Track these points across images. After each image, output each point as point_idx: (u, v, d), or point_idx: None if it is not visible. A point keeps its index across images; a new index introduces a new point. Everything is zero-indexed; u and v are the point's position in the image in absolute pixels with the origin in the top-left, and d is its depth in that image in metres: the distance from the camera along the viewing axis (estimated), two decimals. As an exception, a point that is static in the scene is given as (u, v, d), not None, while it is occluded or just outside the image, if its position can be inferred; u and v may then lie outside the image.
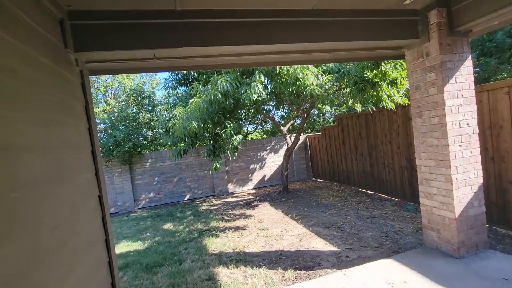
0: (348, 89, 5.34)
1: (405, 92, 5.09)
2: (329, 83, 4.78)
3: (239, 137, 5.43)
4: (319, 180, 10.86)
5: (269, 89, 5.92)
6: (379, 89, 4.68)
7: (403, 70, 4.66)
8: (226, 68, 3.37)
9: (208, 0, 2.40)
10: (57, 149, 1.73)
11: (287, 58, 3.38)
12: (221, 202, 9.18)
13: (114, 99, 9.87)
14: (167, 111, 6.04)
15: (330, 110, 11.95)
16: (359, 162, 8.25)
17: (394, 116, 6.64)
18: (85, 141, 2.33)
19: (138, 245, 5.60)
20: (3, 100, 1.24)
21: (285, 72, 4.77)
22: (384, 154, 7.17)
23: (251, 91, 4.54)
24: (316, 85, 4.67)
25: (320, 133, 10.52)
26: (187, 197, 10.39)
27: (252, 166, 10.95)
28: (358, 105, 5.18)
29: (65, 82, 2.07)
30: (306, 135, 11.49)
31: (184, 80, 7.98)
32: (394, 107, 5.30)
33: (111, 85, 9.81)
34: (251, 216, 6.76)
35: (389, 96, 4.86)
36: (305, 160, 11.47)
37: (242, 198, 9.30)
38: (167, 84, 7.84)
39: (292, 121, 9.46)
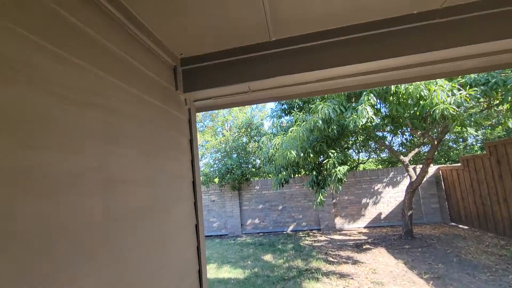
0: (506, 106, 3.79)
1: None
2: (470, 100, 3.49)
3: (344, 168, 4.73)
4: (460, 226, 8.19)
5: (384, 112, 5.02)
6: None
7: None
8: (326, 93, 2.99)
9: (301, 25, 2.17)
10: (159, 180, 1.84)
11: (406, 74, 2.65)
12: (326, 238, 8.31)
13: (229, 131, 11.16)
14: (269, 140, 6.13)
15: (476, 134, 9.11)
16: (533, 209, 5.66)
17: None
18: (187, 172, 2.47)
19: (238, 273, 5.62)
20: (113, 138, 1.38)
21: (403, 91, 3.88)
22: None
23: (358, 116, 3.91)
24: (450, 104, 3.51)
25: (459, 164, 8.11)
26: (291, 228, 10.05)
27: (364, 201, 9.55)
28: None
29: (173, 119, 2.27)
30: (437, 166, 9.14)
31: (289, 109, 8.08)
32: None
33: (227, 119, 11.20)
34: (361, 262, 5.65)
35: None
36: (438, 197, 9.01)
37: (351, 238, 8.10)
38: (273, 114, 8.12)
39: (416, 150, 7.72)
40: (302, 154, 4.70)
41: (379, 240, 7.42)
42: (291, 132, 4.77)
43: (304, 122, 4.57)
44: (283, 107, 8.12)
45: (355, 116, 3.93)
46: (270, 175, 9.32)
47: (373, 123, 4.43)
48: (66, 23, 1.29)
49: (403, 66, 2.51)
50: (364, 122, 3.92)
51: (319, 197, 5.34)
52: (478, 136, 9.33)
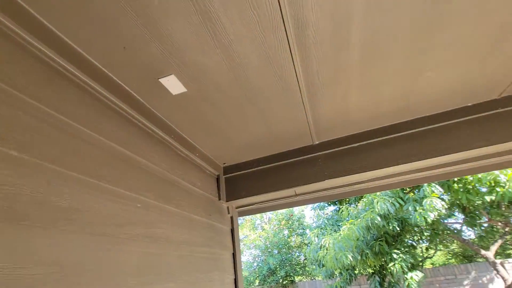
0: None
1: None
2: None
3: (418, 274, 3.83)
4: None
5: (447, 200, 4.38)
6: None
7: None
8: (373, 192, 2.72)
9: (343, 127, 2.16)
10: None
11: (467, 167, 2.37)
12: None
13: (268, 223, 10.56)
14: (317, 236, 5.49)
15: None
16: None
17: None
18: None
19: None
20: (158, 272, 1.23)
21: (470, 178, 3.41)
22: None
23: (424, 209, 3.40)
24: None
25: None
26: None
27: (446, 311, 7.45)
28: None
29: (217, 233, 2.12)
30: (534, 260, 7.20)
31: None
32: None
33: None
34: None
35: None
36: (552, 307, 6.71)
37: None
38: (315, 205, 7.64)
39: (499, 242, 6.29)
40: (359, 257, 4.01)
41: None
42: (343, 230, 4.24)
43: (358, 219, 4.08)
44: None
45: (421, 211, 3.43)
46: (319, 276, 8.05)
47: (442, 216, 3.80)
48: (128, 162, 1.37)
49: (463, 160, 2.25)
50: (433, 217, 3.37)
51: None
52: None
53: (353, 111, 1.93)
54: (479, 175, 3.31)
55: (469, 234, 8.33)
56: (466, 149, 1.96)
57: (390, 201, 3.72)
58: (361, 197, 4.54)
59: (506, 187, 3.12)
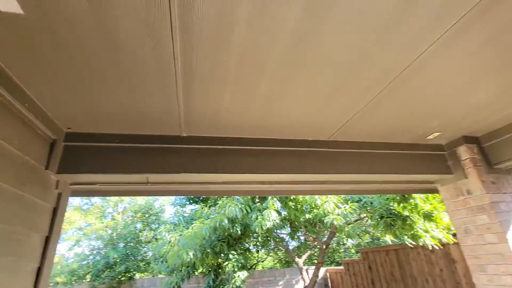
0: (372, 222, 4.66)
1: (446, 228, 4.30)
2: (352, 212, 4.20)
3: (243, 274, 4.41)
4: (347, 335, 8.30)
5: (283, 215, 5.33)
6: (411, 223, 3.97)
7: (437, 202, 4.07)
8: (229, 195, 2.97)
9: (214, 128, 2.27)
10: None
11: (300, 188, 2.99)
12: None
13: (121, 214, 9.48)
14: (168, 232, 5.38)
15: (352, 240, 10.59)
16: (399, 315, 6.36)
17: (433, 257, 5.50)
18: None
19: None
20: None
21: (300, 199, 4.33)
22: (432, 308, 5.51)
23: (263, 219, 3.99)
24: (338, 214, 4.08)
25: (342, 267, 8.90)
26: None
27: (260, 306, 8.85)
28: (388, 237, 4.35)
29: (25, 209, 1.68)
30: (326, 268, 9.77)
31: (195, 198, 7.70)
32: (439, 245, 4.35)
33: (122, 200, 9.67)
34: None
35: (426, 232, 4.05)
36: (327, 302, 9.25)
37: None
38: (176, 202, 7.50)
39: (309, 252, 8.20)
40: (200, 255, 4.21)
41: None
42: (192, 228, 4.37)
43: (209, 220, 4.32)
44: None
45: (260, 219, 4.01)
46: (161, 273, 7.83)
47: (274, 225, 4.57)
48: None
49: (300, 181, 2.84)
50: (268, 226, 4.01)
51: (212, 308, 4.59)
52: (354, 241, 10.89)
53: (224, 115, 2.07)
54: (306, 198, 4.26)
55: (293, 244, 10.37)
56: (296, 172, 2.47)
57: (240, 207, 4.17)
58: (218, 201, 4.86)
59: (320, 209, 4.15)
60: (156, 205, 9.55)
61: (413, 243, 4.92)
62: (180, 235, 4.48)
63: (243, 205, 4.24)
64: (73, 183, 2.22)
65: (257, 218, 4.08)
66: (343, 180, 2.82)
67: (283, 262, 11.60)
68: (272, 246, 10.01)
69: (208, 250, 4.24)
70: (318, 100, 1.99)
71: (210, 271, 4.79)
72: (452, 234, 4.14)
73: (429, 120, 2.46)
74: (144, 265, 8.98)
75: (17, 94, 1.55)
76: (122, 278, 7.77)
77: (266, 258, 10.75)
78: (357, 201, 4.41)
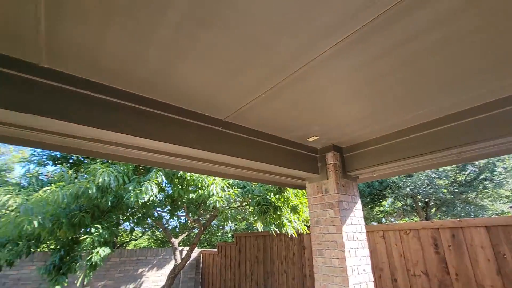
0: (251, 208, 5.06)
1: (305, 221, 5.13)
2: (235, 197, 4.39)
3: (104, 250, 3.89)
4: (206, 311, 8.80)
5: (167, 192, 5.05)
6: (281, 213, 4.53)
7: (304, 198, 4.79)
8: (102, 158, 2.53)
9: (88, 68, 1.84)
10: None
11: (187, 164, 2.87)
12: None
13: None
14: (5, 194, 4.07)
15: (231, 224, 11.31)
16: (254, 293, 7.21)
17: (291, 243, 6.49)
18: None
19: None
20: None
21: (188, 177, 4.19)
22: (280, 285, 6.51)
23: (141, 191, 3.60)
24: (222, 197, 4.16)
25: (216, 250, 9.36)
26: (-8, 337, 6.42)
27: (123, 287, 8.22)
28: (259, 224, 4.84)
29: None
30: (200, 249, 10.04)
31: (62, 159, 6.30)
32: (296, 234, 5.14)
33: None
34: None
35: (290, 222, 4.71)
36: (195, 281, 9.52)
37: None
38: (33, 158, 5.91)
39: (187, 232, 8.20)
40: (50, 225, 3.41)
41: None
42: (43, 192, 3.48)
43: (71, 184, 3.55)
44: (53, 154, 6.25)
45: (138, 191, 3.60)
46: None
47: (154, 201, 4.25)
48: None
49: (187, 155, 2.72)
50: (145, 200, 3.65)
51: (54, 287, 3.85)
52: (232, 226, 11.69)
53: (107, 54, 1.69)
54: (194, 177, 4.17)
55: (173, 224, 10.14)
56: (184, 145, 2.33)
57: (116, 175, 3.65)
58: (91, 164, 4.09)
59: (205, 190, 4.13)
60: (1, 160, 7.20)
61: (278, 231, 5.66)
62: (25, 199, 3.50)
63: (120, 174, 3.72)
64: None
65: (134, 190, 3.65)
66: (229, 162, 2.88)
67: (159, 242, 11.21)
68: (150, 225, 9.48)
69: (63, 221, 3.49)
70: (223, 71, 1.90)
71: (61, 247, 3.97)
72: (307, 226, 5.00)
73: (312, 123, 2.81)
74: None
75: None
76: None
77: (141, 236, 10.06)
78: (241, 187, 4.66)
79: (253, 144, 2.84)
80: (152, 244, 11.52)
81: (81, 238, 3.68)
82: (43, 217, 3.31)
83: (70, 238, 3.94)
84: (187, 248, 8.67)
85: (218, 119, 2.62)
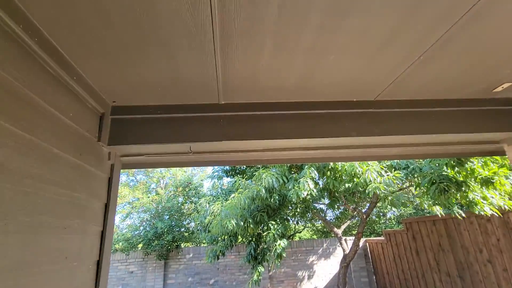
0: (421, 189, 4.36)
1: (507, 195, 3.87)
2: (396, 181, 3.95)
3: (284, 242, 4.51)
4: (388, 302, 8.33)
5: (321, 185, 5.24)
6: (467, 190, 3.62)
7: (499, 168, 3.63)
8: (269, 163, 2.92)
9: (251, 93, 2.18)
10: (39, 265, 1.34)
11: (343, 154, 2.84)
12: (261, 321, 7.36)
13: (164, 189, 10.17)
14: (208, 203, 5.64)
15: (393, 210, 10.24)
16: (446, 285, 6.14)
17: (489, 226, 5.09)
18: (92, 249, 1.89)
19: None
20: None
21: (339, 168, 4.17)
22: (485, 278, 5.21)
23: (299, 187, 3.94)
24: (381, 183, 3.86)
25: (383, 238, 8.73)
26: (222, 307, 8.76)
27: (300, 273, 9.17)
28: (437, 208, 4.07)
29: (85, 177, 1.81)
30: (365, 238, 9.67)
31: (231, 171, 7.89)
32: (499, 213, 3.98)
33: (164, 176, 10.33)
34: None
35: (484, 199, 3.68)
36: (367, 271, 9.25)
37: (287, 319, 7.36)
38: (213, 175, 7.77)
39: (347, 222, 8.12)
40: (242, 224, 4.35)
41: (315, 322, 6.88)
42: (232, 199, 4.49)
43: (247, 190, 4.39)
44: (225, 168, 7.92)
45: (297, 188, 3.96)
46: (204, 242, 8.40)
47: (312, 196, 4.51)
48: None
49: (343, 146, 2.69)
50: (305, 195, 3.96)
51: (256, 273, 4.81)
52: (395, 212, 10.53)
53: (262, 77, 1.95)
54: (346, 167, 4.08)
55: (331, 215, 10.35)
56: (339, 136, 2.32)
57: (276, 176, 4.16)
58: (255, 172, 4.89)
59: (360, 178, 3.96)
60: (194, 180, 10.08)
61: (463, 215, 4.57)
62: (222, 206, 4.67)
63: (279, 175, 4.22)
64: (122, 154, 2.33)
65: (293, 187, 4.04)
66: (390, 142, 2.61)
67: (320, 233, 11.72)
68: (310, 217, 10.11)
69: (250, 220, 4.37)
70: (367, 51, 1.76)
71: (250, 240, 4.99)
72: (515, 201, 3.73)
73: (499, 66, 2.10)
74: (188, 235, 9.69)
75: (68, 70, 1.60)
76: (170, 247, 8.48)
77: (303, 229, 10.94)
78: (404, 168, 4.11)
79: (415, 116, 2.45)
80: (314, 236, 12.21)
81: (264, 233, 4.47)
82: (237, 218, 4.28)
83: (256, 233, 4.87)
84: (349, 238, 8.58)
85: (369, 100, 2.44)
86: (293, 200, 4.18)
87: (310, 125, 2.33)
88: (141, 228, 9.04)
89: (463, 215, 4.04)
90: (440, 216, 6.31)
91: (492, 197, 3.69)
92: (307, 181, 3.97)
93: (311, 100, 2.37)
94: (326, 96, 2.35)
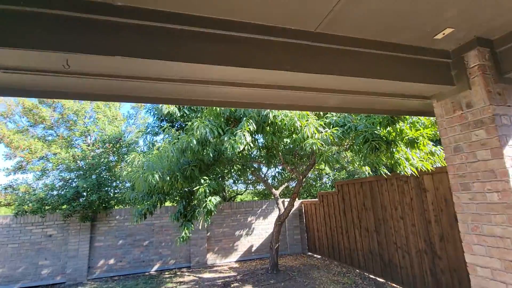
0: (354, 148, 4.43)
1: (426, 155, 4.17)
2: (334, 138, 3.90)
3: (215, 198, 4.23)
4: (315, 255, 9.14)
5: (261, 143, 5.01)
6: (395, 150, 3.75)
7: (424, 128, 3.82)
8: (189, 104, 2.42)
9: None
10: None
11: (278, 97, 2.51)
12: (194, 278, 7.37)
13: (91, 145, 8.89)
14: (138, 159, 4.97)
15: (328, 172, 10.93)
16: (364, 239, 6.85)
17: (406, 187, 5.61)
18: None
19: None
20: None
21: (279, 122, 3.92)
22: (396, 232, 5.88)
23: (235, 140, 3.58)
24: (319, 139, 3.75)
25: (317, 199, 9.30)
26: (156, 267, 8.52)
27: (238, 233, 9.36)
28: (367, 168, 4.23)
29: None
30: (301, 200, 10.22)
31: (169, 127, 7.14)
32: (416, 173, 4.29)
33: (89, 130, 8.95)
34: (225, 308, 5.06)
35: (407, 160, 3.89)
36: (300, 229, 9.93)
37: (222, 275, 7.51)
38: (148, 130, 6.94)
39: (286, 184, 8.34)
40: (168, 178, 3.88)
41: (247, 276, 7.15)
42: (157, 150, 3.93)
43: (176, 141, 3.86)
44: (162, 124, 7.15)
45: (232, 141, 3.59)
46: (131, 201, 7.79)
47: (251, 152, 4.25)
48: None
49: (278, 85, 2.34)
50: (241, 149, 3.62)
51: (184, 231, 4.52)
52: (330, 176, 11.32)
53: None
54: (285, 121, 3.84)
55: (270, 176, 10.54)
56: (272, 68, 1.93)
57: (211, 127, 3.72)
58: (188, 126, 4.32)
59: (299, 134, 3.78)
60: (128, 137, 9.04)
61: (388, 174, 4.89)
62: (148, 157, 4.09)
63: (214, 126, 3.79)
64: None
65: (229, 140, 3.68)
66: (329, 87, 2.35)
67: (261, 195, 12.06)
68: (252, 180, 10.15)
69: (178, 174, 3.92)
70: None
71: (181, 198, 4.60)
72: (431, 163, 4.06)
73: (442, 7, 1.91)
74: (120, 196, 8.89)
75: None
76: (96, 208, 7.66)
77: (245, 191, 11.06)
78: (341, 126, 4.07)
79: (354, 56, 2.20)
80: (255, 198, 12.52)
81: (195, 188, 4.10)
82: (162, 172, 3.78)
83: (187, 190, 4.49)
84: (288, 199, 8.92)
85: (308, 31, 2.08)
86: (229, 154, 3.83)
87: (236, 50, 1.88)
88: (58, 187, 7.88)
89: (388, 174, 4.29)
90: (366, 178, 6.81)
91: (414, 159, 3.93)
92: (244, 134, 3.63)
93: (240, 19, 1.90)
94: (258, 17, 1.89)
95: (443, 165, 4.68)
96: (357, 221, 7.18)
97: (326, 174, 10.88)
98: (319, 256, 8.96)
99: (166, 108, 4.83)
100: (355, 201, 7.27)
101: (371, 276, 6.50)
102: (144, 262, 8.51)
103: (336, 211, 8.12)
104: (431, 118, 3.88)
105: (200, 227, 4.24)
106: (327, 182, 11.84)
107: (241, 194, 11.25)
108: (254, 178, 8.90)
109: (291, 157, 5.54)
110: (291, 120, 3.73)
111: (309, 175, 12.19)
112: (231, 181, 10.37)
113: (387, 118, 3.60)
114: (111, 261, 8.30)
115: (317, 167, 5.62)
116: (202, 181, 4.10)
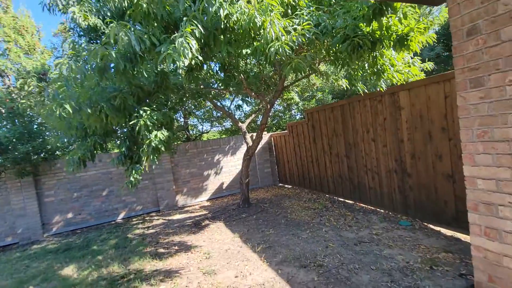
0: (330, 55, 3.59)
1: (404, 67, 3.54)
2: (306, 39, 3.00)
3: (163, 133, 3.35)
4: (286, 186, 9.21)
5: (216, 67, 3.99)
6: (378, 54, 3.03)
7: (418, 20, 3.08)
8: None
9: None
10: None
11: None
12: (164, 221, 7.05)
13: (9, 87, 7.05)
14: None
15: (297, 102, 10.38)
16: (335, 165, 6.75)
17: (380, 106, 5.20)
18: None
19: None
20: None
21: (235, 26, 2.87)
22: (367, 155, 5.71)
23: (177, 51, 2.51)
24: (286, 41, 2.80)
25: (286, 131, 8.89)
26: (122, 215, 8.03)
27: (206, 172, 8.93)
28: (343, 81, 3.57)
29: None
30: (270, 133, 9.80)
31: (92, 31, 4.89)
32: (403, 80, 3.69)
33: (5, 68, 6.95)
34: (196, 246, 4.78)
35: (392, 66, 3.23)
36: (270, 162, 9.76)
37: (193, 214, 7.26)
38: (72, 31, 4.94)
39: (253, 115, 7.65)
40: (89, 111, 2.83)
41: (219, 212, 6.95)
42: (60, 68, 2.71)
43: (85, 54, 2.65)
44: (84, 24, 5.11)
45: (171, 52, 2.53)
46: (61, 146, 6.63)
47: (203, 73, 3.27)
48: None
49: None
50: (186, 64, 2.58)
51: (132, 175, 3.76)
52: (300, 107, 10.82)
53: None
54: (243, 22, 2.81)
55: (238, 113, 9.76)
56: None
57: (139, 35, 2.59)
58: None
59: (262, 39, 2.84)
60: (52, 64, 7.28)
61: (366, 90, 4.32)
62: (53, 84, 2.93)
63: (142, 33, 2.64)
64: None
65: (168, 52, 2.59)
66: None
67: (229, 132, 11.43)
68: (217, 117, 9.30)
69: (103, 105, 2.89)
70: None
71: (125, 138, 3.69)
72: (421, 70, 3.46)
73: None
74: (65, 144, 7.64)
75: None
76: (34, 161, 6.49)
77: (211, 129, 10.28)
78: (315, 25, 3.14)
79: None
80: (224, 136, 11.90)
81: (132, 122, 3.17)
82: (77, 101, 2.72)
83: (130, 127, 3.56)
84: (255, 134, 8.39)
85: None
86: (174, 75, 2.83)
87: None
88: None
89: (366, 90, 3.70)
90: (337, 102, 6.30)
91: (398, 63, 3.29)
92: (187, 41, 2.56)
93: None
94: None
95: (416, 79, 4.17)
96: (327, 148, 6.95)
97: (295, 104, 10.31)
98: (290, 186, 9.03)
99: (84, 20, 3.41)
100: (325, 128, 6.91)
101: (341, 199, 6.61)
102: (107, 212, 7.94)
103: (307, 141, 7.82)
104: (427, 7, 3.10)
105: (145, 168, 3.44)
106: (295, 113, 11.40)
107: (207, 133, 10.48)
108: (218, 114, 8.02)
109: (256, 80, 4.67)
110: (250, 18, 2.67)
111: (278, 107, 11.57)
112: (194, 121, 9.43)
113: (374, 6, 2.71)
114: (69, 215, 7.59)
115: (285, 96, 4.85)
116: (142, 112, 3.16)
